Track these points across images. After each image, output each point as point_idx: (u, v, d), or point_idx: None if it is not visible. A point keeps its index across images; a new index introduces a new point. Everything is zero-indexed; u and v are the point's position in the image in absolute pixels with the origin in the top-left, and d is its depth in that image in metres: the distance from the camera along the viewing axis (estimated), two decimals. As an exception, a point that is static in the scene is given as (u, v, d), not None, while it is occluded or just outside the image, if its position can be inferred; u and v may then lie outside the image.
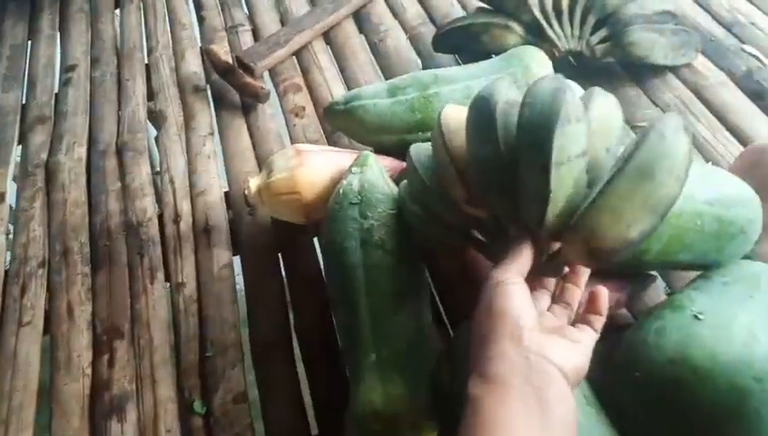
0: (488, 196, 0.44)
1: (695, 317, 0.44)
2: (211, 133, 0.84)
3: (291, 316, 0.64)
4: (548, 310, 0.42)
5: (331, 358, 0.60)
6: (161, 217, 0.75)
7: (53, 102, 0.94)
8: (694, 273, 0.53)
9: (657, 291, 0.58)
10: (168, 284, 0.69)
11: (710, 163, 0.66)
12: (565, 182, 0.39)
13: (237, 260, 0.71)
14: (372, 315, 0.51)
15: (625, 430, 0.44)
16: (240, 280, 0.68)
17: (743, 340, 0.41)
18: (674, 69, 0.76)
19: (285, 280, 0.67)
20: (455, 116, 0.48)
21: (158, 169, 0.83)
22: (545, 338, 0.37)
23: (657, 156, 0.37)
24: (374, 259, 0.53)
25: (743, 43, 0.77)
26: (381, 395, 0.47)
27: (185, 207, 0.75)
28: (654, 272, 0.57)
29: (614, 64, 0.78)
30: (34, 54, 1.02)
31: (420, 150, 0.53)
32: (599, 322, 0.41)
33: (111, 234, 0.74)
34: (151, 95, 0.92)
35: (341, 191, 0.58)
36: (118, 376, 0.61)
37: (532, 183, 0.39)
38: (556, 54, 0.75)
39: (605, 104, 0.43)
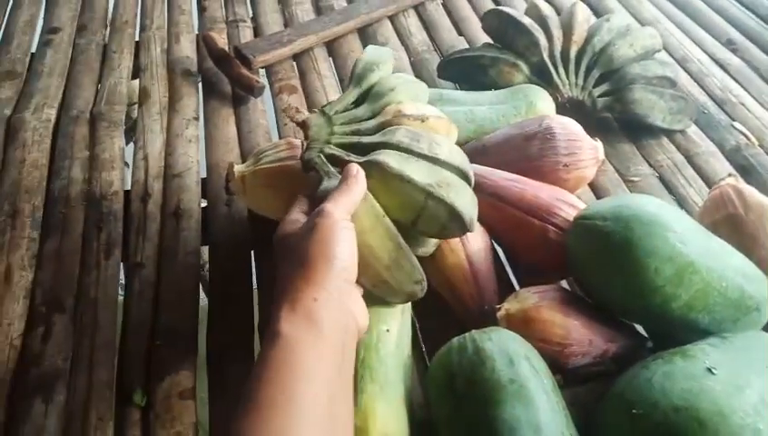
0: None
1: (709, 370, 0.42)
2: (196, 119, 0.80)
3: (257, 316, 0.59)
4: None
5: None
6: (127, 193, 0.70)
7: (27, 60, 0.88)
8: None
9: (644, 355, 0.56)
10: (124, 264, 0.63)
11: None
12: None
13: (205, 250, 0.66)
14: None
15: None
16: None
17: (754, 404, 0.40)
18: (668, 133, 0.77)
19: (255, 278, 0.62)
20: None
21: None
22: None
23: None
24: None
25: (734, 120, 0.80)
26: (361, 411, 0.43)
27: (156, 187, 0.70)
28: (646, 336, 0.55)
29: (611, 120, 0.79)
30: (15, 11, 0.96)
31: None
32: None
33: (69, 203, 0.68)
34: (137, 73, 0.88)
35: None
36: (51, 352, 0.54)
37: None
38: (559, 100, 0.75)
39: None
